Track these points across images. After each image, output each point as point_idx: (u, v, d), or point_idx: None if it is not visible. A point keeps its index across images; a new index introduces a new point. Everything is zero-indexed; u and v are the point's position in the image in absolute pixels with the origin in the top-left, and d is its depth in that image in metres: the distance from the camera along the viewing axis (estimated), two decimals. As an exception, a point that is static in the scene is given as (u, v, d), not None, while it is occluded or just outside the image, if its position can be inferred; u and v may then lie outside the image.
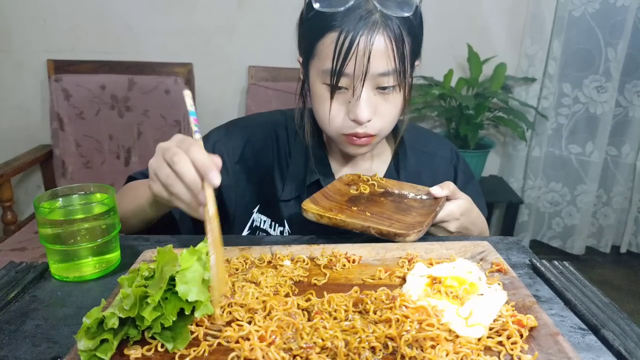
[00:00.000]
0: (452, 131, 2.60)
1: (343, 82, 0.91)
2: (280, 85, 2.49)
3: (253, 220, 1.09)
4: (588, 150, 2.78)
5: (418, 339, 0.57)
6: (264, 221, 1.09)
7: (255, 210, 1.10)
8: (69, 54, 2.45)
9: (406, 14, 0.89)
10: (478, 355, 0.55)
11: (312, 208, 0.88)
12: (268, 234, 1.07)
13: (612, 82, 2.60)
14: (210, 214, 0.64)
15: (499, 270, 0.75)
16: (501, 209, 2.92)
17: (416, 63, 1.00)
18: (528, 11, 2.61)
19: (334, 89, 0.92)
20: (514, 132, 2.53)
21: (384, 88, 0.92)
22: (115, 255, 0.81)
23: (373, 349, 0.57)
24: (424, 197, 1.00)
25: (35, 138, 2.54)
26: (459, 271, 0.71)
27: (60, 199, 0.80)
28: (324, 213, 0.87)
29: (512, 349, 0.56)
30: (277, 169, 1.10)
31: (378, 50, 0.88)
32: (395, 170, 1.13)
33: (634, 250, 3.01)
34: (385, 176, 1.12)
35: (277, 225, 1.07)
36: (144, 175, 1.04)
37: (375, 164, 1.14)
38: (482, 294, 0.65)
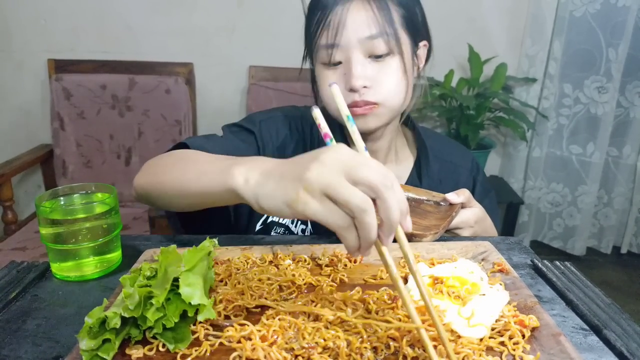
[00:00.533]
0: (453, 131, 2.60)
1: (331, 55, 0.94)
2: (280, 85, 2.49)
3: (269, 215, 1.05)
4: (589, 151, 2.77)
5: (420, 339, 0.56)
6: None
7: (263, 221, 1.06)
8: (70, 54, 2.45)
9: None
10: (480, 355, 0.55)
11: None
12: (289, 229, 1.05)
13: (613, 82, 2.60)
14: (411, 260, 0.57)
15: (500, 271, 0.75)
16: (501, 209, 2.91)
17: (423, 43, 1.02)
18: (528, 11, 2.61)
19: (313, 54, 0.97)
20: (515, 133, 2.53)
21: (378, 56, 0.93)
22: (116, 255, 0.81)
23: (375, 349, 0.57)
24: (441, 203, 1.00)
25: (36, 138, 2.54)
26: (460, 271, 0.71)
27: (61, 199, 0.80)
28: None
29: (514, 349, 0.56)
30: None
31: (357, 14, 0.91)
32: (417, 177, 1.13)
33: (635, 251, 3.01)
34: (407, 182, 1.12)
35: (299, 222, 1.05)
36: (201, 147, 0.91)
37: (398, 169, 1.14)
38: (484, 294, 0.65)
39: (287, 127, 1.09)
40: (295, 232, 1.05)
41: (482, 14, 2.60)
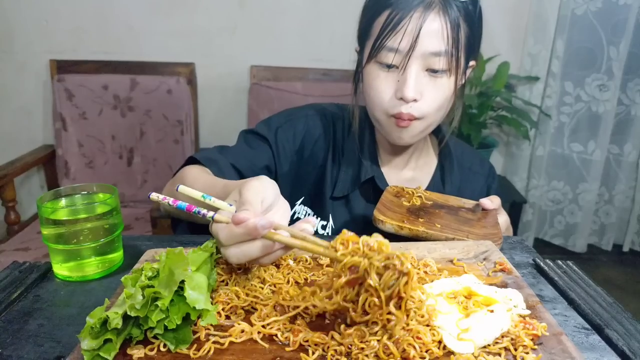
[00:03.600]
0: (455, 130, 2.59)
1: (393, 58, 0.91)
2: (282, 84, 2.49)
3: (295, 212, 1.09)
4: (590, 149, 2.77)
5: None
6: (308, 214, 1.08)
7: (299, 202, 1.09)
8: (71, 55, 2.46)
9: None
10: (480, 355, 0.55)
11: (388, 220, 0.87)
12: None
13: (614, 80, 2.60)
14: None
15: (502, 270, 0.75)
16: (505, 208, 2.90)
17: (471, 63, 1.01)
18: (530, 10, 2.61)
19: (375, 51, 0.92)
20: (518, 132, 2.52)
21: (434, 71, 0.92)
22: (118, 255, 0.81)
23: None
24: (474, 209, 1.01)
25: (38, 138, 2.55)
26: (499, 295, 0.66)
27: (63, 199, 0.80)
28: (403, 224, 0.87)
29: (515, 349, 0.56)
30: (330, 163, 1.09)
31: (431, 28, 0.88)
32: (440, 182, 1.14)
33: (637, 249, 3.00)
34: (429, 187, 1.12)
35: (320, 219, 1.07)
36: (213, 161, 0.99)
37: (421, 174, 1.14)
38: (492, 311, 0.62)
39: (306, 127, 1.10)
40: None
41: (484, 13, 2.58)
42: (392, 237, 0.84)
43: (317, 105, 1.17)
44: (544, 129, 2.77)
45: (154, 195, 0.70)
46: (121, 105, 2.40)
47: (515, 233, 2.70)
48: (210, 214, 0.65)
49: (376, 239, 0.57)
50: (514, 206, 2.69)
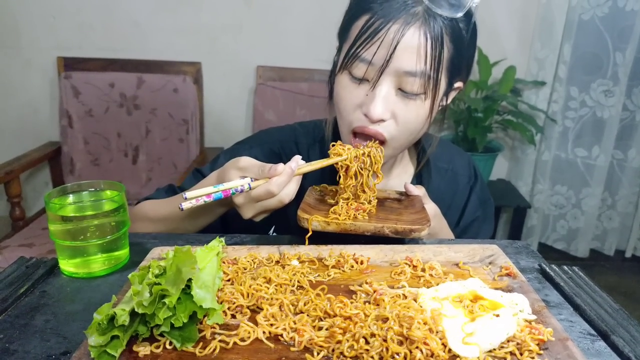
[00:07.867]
0: (460, 134, 2.59)
1: (365, 71, 0.85)
2: (288, 85, 2.50)
3: None
4: (594, 154, 2.77)
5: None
6: None
7: (271, 232, 1.06)
8: (78, 52, 2.47)
9: (454, 15, 0.82)
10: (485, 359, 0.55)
11: (315, 218, 0.83)
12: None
13: (619, 86, 2.59)
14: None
15: (508, 274, 0.75)
16: (508, 213, 2.91)
17: (457, 85, 0.94)
18: (538, 14, 2.61)
19: (347, 61, 0.86)
20: (523, 136, 2.52)
21: (407, 93, 0.86)
22: (124, 252, 0.81)
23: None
24: (400, 198, 0.99)
25: (44, 135, 2.56)
26: (505, 300, 0.66)
27: (71, 196, 0.81)
28: (329, 220, 0.83)
29: (521, 353, 0.56)
30: None
31: (409, 43, 0.81)
32: None
33: (639, 254, 3.00)
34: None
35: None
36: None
37: (396, 182, 1.09)
38: (497, 315, 0.61)
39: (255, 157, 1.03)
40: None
41: (491, 17, 2.59)
42: (321, 235, 0.83)
43: (262, 135, 1.11)
44: (549, 134, 2.76)
45: (188, 204, 0.76)
46: (127, 103, 2.41)
47: (519, 238, 2.72)
48: (246, 186, 0.80)
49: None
50: (518, 211, 2.69)
